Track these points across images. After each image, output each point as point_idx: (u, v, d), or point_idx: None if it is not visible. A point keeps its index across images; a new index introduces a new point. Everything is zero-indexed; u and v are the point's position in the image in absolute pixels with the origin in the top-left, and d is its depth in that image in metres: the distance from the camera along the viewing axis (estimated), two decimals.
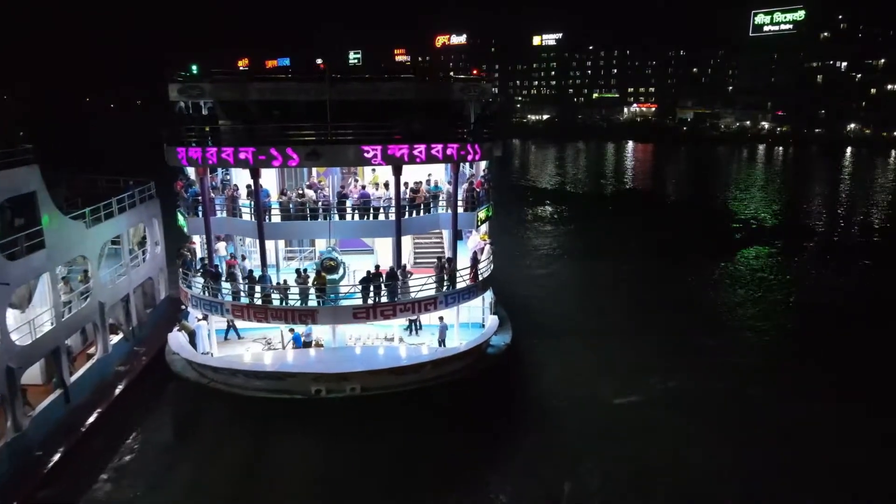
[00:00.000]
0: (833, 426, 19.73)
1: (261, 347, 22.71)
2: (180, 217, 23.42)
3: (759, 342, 26.53)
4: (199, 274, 21.90)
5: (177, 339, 21.48)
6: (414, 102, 21.68)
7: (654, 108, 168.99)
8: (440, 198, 23.10)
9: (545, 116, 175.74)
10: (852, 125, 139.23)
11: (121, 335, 23.95)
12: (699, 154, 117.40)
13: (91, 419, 19.37)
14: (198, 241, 24.03)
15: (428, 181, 23.33)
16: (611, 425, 20.19)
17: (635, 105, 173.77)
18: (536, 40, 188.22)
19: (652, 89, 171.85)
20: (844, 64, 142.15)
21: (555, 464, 18.03)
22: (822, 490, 16.76)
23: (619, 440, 19.15)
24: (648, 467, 17.53)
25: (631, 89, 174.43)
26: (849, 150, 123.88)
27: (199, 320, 22.87)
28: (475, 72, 26.47)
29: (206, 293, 21.06)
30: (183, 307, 24.04)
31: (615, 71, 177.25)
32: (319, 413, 19.92)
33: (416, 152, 20.27)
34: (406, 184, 22.56)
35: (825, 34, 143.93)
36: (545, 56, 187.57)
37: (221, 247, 25.33)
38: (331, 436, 18.97)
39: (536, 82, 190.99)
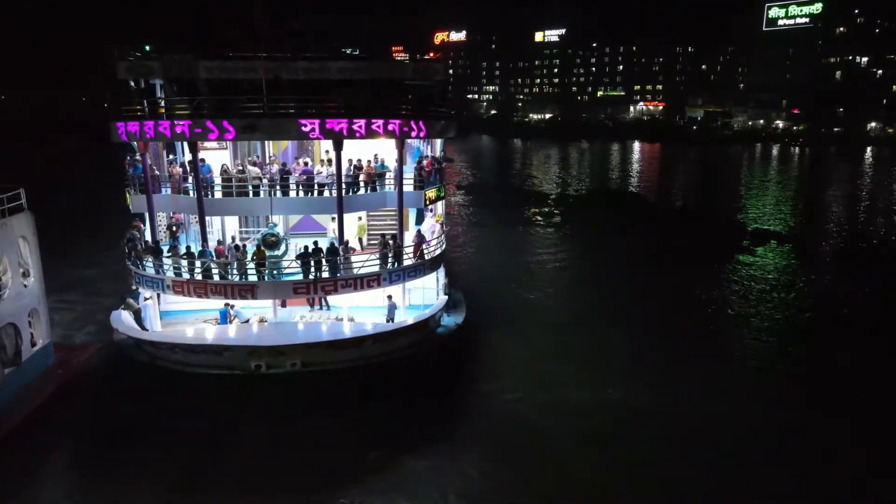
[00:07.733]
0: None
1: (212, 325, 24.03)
2: (128, 196, 24.91)
3: (747, 349, 26.15)
4: (143, 252, 23.28)
5: (119, 317, 22.82)
6: (366, 83, 23.16)
7: (661, 107, 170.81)
8: (387, 176, 24.48)
9: (548, 115, 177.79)
10: (873, 123, 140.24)
11: None
12: (709, 155, 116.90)
13: None
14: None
15: (375, 158, 24.73)
16: (547, 417, 20.21)
17: (642, 103, 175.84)
18: (538, 37, 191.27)
19: (659, 87, 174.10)
20: (865, 59, 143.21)
21: (482, 457, 18.10)
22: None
23: (552, 435, 19.06)
24: (584, 473, 17.32)
25: (637, 87, 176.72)
26: (869, 149, 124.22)
27: (146, 299, 24.22)
28: (432, 55, 28.00)
29: (141, 269, 22.45)
30: (134, 287, 25.38)
31: (621, 68, 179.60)
32: (260, 389, 21.18)
33: (355, 126, 21.65)
34: (350, 160, 23.94)
35: (841, 29, 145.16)
36: (548, 53, 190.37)
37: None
38: (269, 413, 19.97)
39: (539, 80, 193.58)
